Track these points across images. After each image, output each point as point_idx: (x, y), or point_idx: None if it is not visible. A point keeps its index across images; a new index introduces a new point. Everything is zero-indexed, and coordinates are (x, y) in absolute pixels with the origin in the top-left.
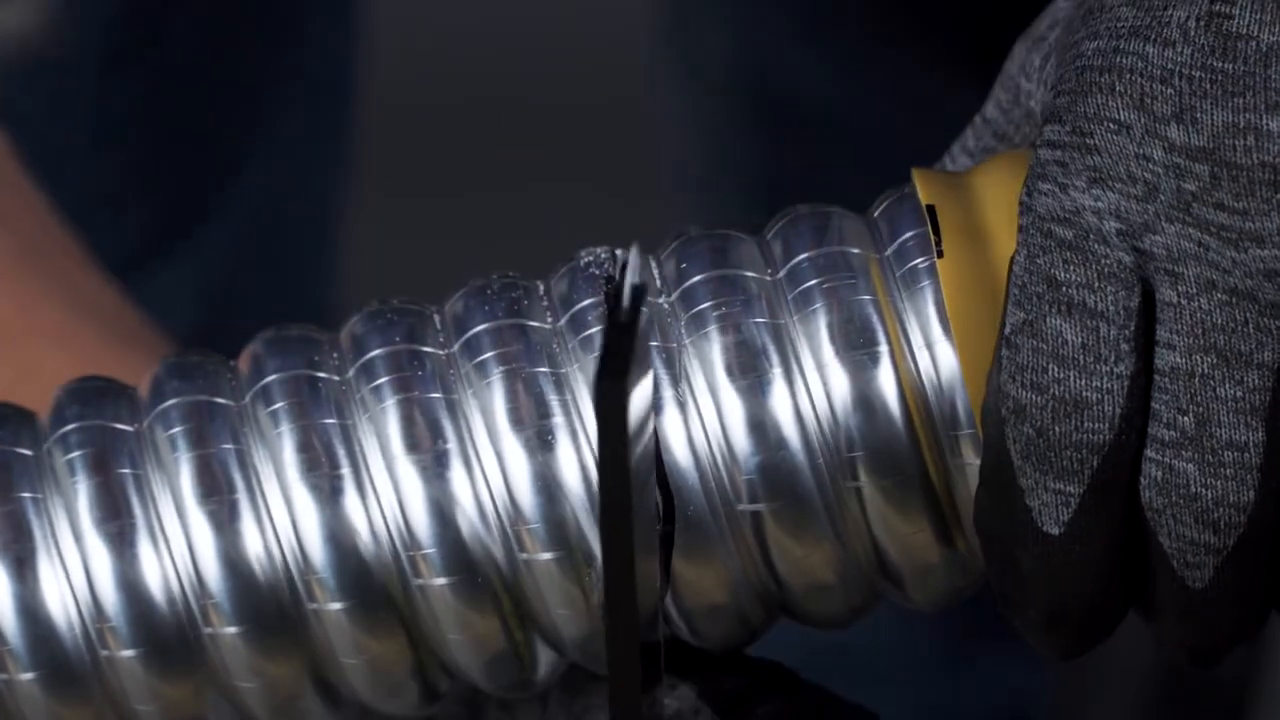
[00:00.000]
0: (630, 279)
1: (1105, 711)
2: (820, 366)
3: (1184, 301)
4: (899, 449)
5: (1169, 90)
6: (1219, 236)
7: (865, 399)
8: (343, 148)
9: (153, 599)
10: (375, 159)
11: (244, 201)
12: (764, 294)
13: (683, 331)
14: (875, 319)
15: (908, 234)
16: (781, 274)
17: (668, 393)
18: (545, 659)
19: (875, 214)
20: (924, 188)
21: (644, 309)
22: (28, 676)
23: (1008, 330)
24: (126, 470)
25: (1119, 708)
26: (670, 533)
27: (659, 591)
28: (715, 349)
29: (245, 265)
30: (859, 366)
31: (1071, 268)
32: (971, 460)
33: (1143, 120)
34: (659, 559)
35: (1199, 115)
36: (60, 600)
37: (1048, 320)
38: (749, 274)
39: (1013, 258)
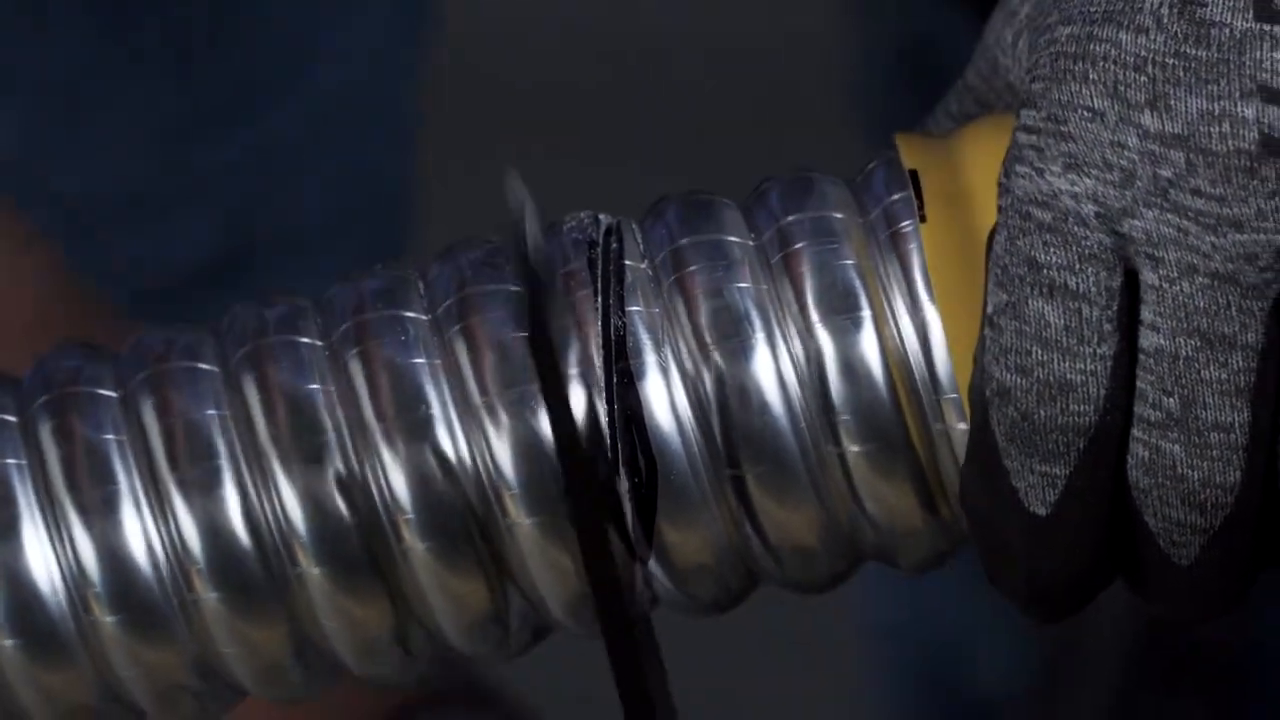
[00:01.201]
0: (529, 222)
1: (1092, 671)
2: (803, 331)
3: (1165, 285)
4: (882, 414)
5: (1142, 78)
6: (1197, 222)
7: (848, 364)
8: (415, 59)
9: (136, 565)
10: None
11: (308, 93)
12: (746, 259)
13: (665, 296)
14: (858, 284)
15: (890, 198)
16: (764, 238)
17: (650, 358)
18: (527, 623)
19: (858, 178)
20: (907, 152)
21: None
22: (11, 643)
23: (990, 311)
24: (110, 436)
25: (1106, 665)
26: (653, 497)
27: (642, 556)
28: (698, 314)
29: (307, 153)
30: (842, 331)
31: (1052, 250)
32: (955, 425)
33: (1116, 108)
34: (642, 523)
35: (1173, 102)
36: (44, 566)
37: (1030, 303)
38: (731, 238)
39: (991, 237)
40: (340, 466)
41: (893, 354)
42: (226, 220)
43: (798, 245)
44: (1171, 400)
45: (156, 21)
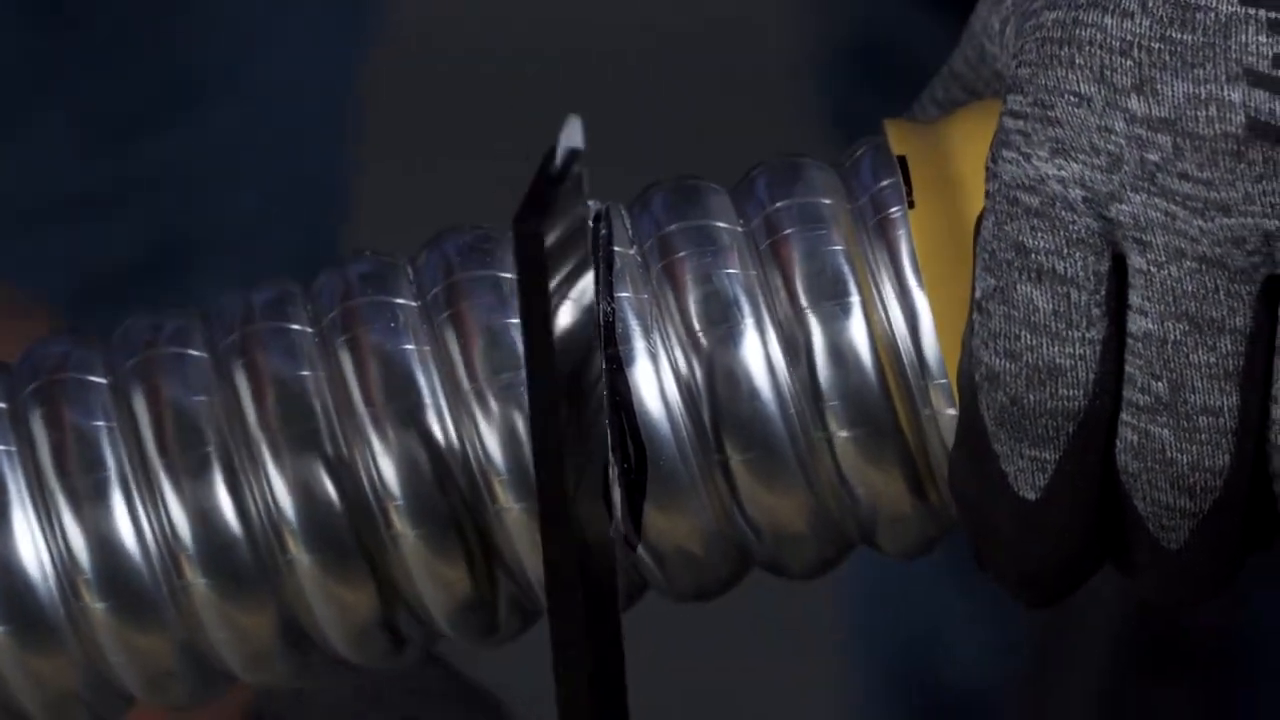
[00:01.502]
0: (566, 144)
1: (1081, 656)
2: (791, 317)
3: (1153, 269)
4: (870, 399)
5: (1128, 62)
6: (1185, 206)
7: (836, 349)
8: (354, 58)
9: (126, 551)
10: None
11: (250, 81)
12: (735, 244)
13: (653, 282)
14: (846, 269)
15: (879, 184)
16: (753, 224)
17: (639, 344)
18: (516, 610)
19: (847, 164)
20: (895, 138)
21: (577, 169)
22: (1, 630)
23: (979, 296)
24: (100, 423)
25: (1095, 650)
26: (642, 482)
27: (631, 542)
28: (686, 300)
29: (242, 151)
30: (830, 317)
31: (1039, 234)
32: (943, 410)
33: (1103, 93)
34: (631, 509)
35: (1159, 87)
36: (34, 553)
37: (1018, 287)
38: (720, 224)
39: (979, 222)
40: (330, 453)
41: (881, 339)
42: (161, 218)
43: (786, 231)
44: (1160, 384)
45: (90, 20)
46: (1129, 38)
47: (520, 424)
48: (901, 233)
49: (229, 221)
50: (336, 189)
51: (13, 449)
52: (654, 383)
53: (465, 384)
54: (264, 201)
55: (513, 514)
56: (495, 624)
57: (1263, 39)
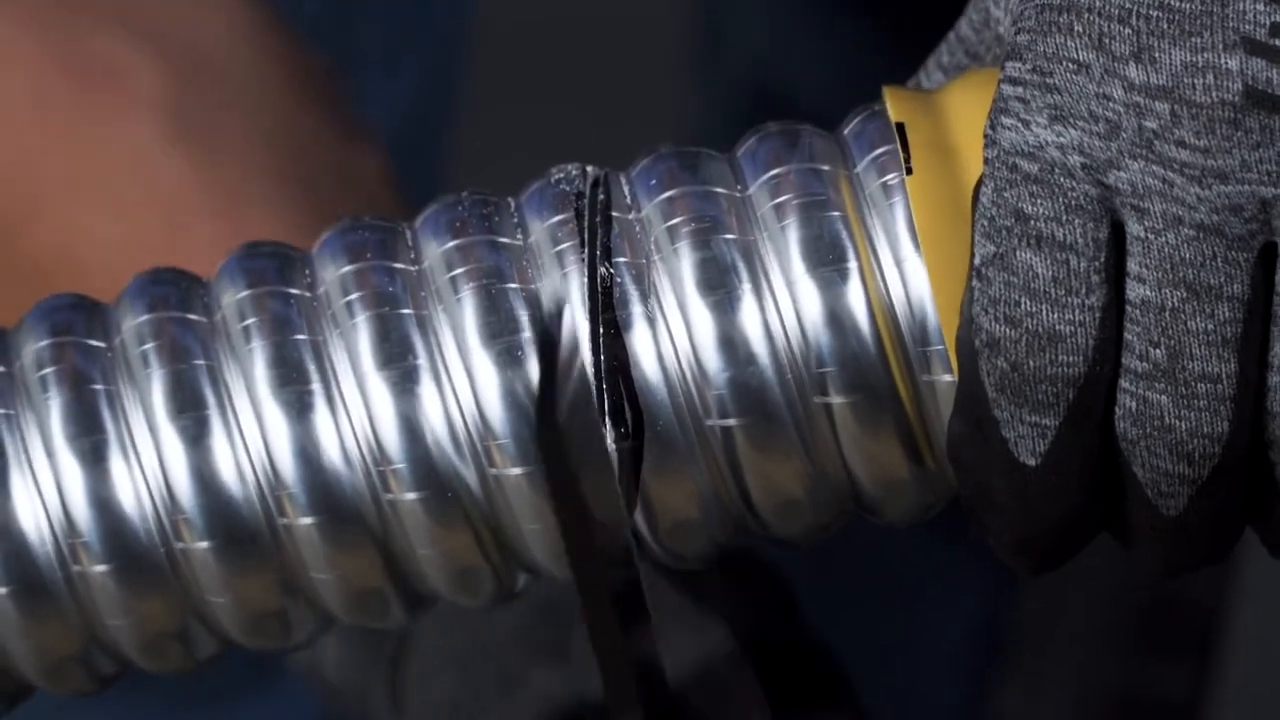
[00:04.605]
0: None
1: (1075, 625)
2: (789, 283)
3: (1151, 236)
4: (868, 365)
5: (1127, 30)
6: (1182, 173)
7: (834, 315)
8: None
9: (125, 514)
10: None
11: None
12: (733, 210)
13: (652, 247)
14: (845, 235)
15: (877, 151)
16: (751, 190)
17: (637, 309)
18: (517, 574)
19: (845, 131)
20: (894, 105)
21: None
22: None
23: (978, 262)
24: (99, 386)
25: (1089, 622)
26: (639, 448)
27: (628, 508)
28: (685, 265)
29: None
30: (828, 283)
31: (1039, 201)
32: (941, 377)
33: (1102, 60)
34: (629, 475)
35: (1157, 55)
36: (33, 515)
37: (1018, 254)
38: (719, 190)
39: (977, 189)
40: (328, 417)
41: (879, 306)
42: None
43: (784, 197)
44: (1158, 351)
45: None
46: (1127, 5)
47: (519, 389)
48: (899, 199)
49: (349, 48)
50: (458, 29)
51: (12, 412)
52: (651, 348)
53: (463, 348)
54: (389, 30)
55: (509, 479)
56: (496, 589)
57: (1260, 7)
